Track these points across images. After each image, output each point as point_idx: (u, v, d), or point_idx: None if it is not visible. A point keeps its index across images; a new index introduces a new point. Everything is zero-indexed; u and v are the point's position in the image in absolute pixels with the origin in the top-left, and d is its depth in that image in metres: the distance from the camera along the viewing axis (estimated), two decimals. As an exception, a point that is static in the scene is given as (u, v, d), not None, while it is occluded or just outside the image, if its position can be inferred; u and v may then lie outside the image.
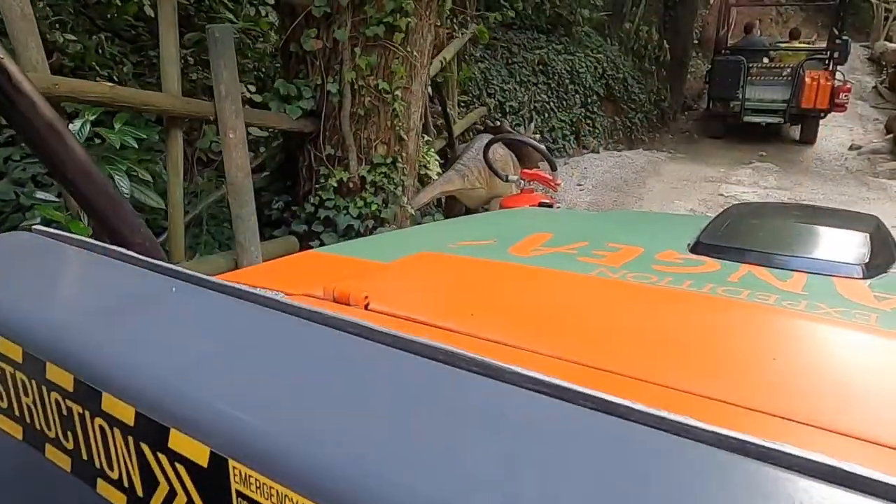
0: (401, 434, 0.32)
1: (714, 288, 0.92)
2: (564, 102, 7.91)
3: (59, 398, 0.44)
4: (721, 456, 0.28)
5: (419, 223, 3.80)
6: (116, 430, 0.39)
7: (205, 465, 0.34)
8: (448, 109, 4.97)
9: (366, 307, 0.77)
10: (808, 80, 8.49)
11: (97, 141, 2.61)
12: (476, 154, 4.33)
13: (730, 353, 0.68)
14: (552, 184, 3.47)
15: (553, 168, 3.36)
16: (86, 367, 0.42)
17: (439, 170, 4.32)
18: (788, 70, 8.85)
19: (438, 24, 4.06)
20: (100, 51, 3.67)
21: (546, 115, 7.56)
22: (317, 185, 3.60)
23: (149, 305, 0.50)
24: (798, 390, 0.58)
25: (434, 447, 0.31)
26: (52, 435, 0.45)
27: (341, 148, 3.57)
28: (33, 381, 0.45)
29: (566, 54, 8.03)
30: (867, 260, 1.05)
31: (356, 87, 3.45)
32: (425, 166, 4.19)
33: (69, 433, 0.44)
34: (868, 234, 1.14)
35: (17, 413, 0.48)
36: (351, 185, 3.58)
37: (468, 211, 4.50)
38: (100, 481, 0.42)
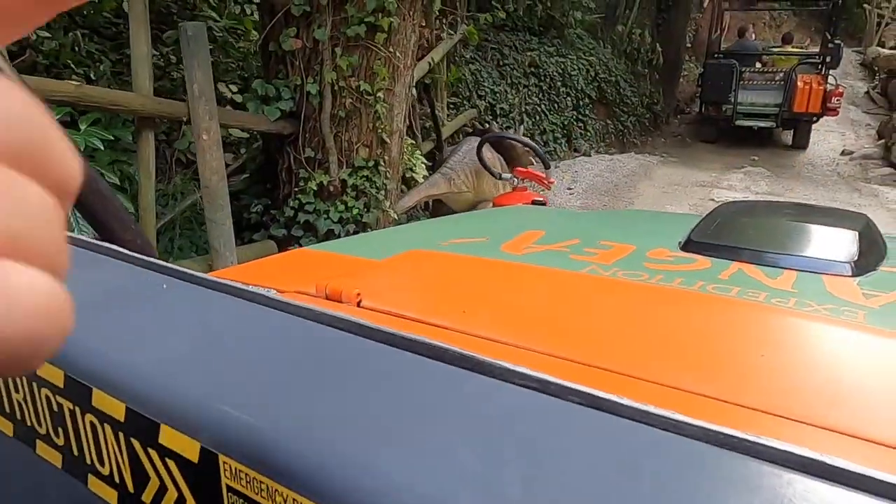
0: (390, 429, 0.32)
1: (704, 285, 0.94)
2: (556, 105, 7.84)
3: (50, 394, 0.44)
4: (707, 450, 0.28)
5: (402, 228, 3.73)
6: (107, 426, 0.40)
7: (195, 460, 0.35)
8: (437, 111, 4.90)
9: (358, 304, 0.77)
10: (800, 83, 8.51)
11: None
12: (463, 157, 4.26)
13: (719, 350, 0.69)
14: (545, 182, 3.42)
15: (546, 166, 3.34)
16: (76, 363, 0.42)
17: (426, 173, 4.25)
18: (781, 74, 8.86)
19: (423, 24, 3.98)
20: (76, 48, 3.57)
21: (537, 117, 7.49)
22: (296, 189, 3.51)
23: (139, 301, 0.50)
24: (786, 387, 0.59)
25: (423, 442, 0.31)
26: (42, 431, 0.46)
27: (321, 150, 3.48)
28: (23, 377, 0.46)
29: (558, 56, 7.95)
30: (856, 258, 1.05)
31: (337, 88, 3.37)
32: (411, 169, 4.12)
33: (60, 429, 0.44)
34: (857, 233, 1.15)
35: (7, 409, 0.48)
36: (331, 188, 3.50)
37: (454, 215, 4.44)
38: (91, 477, 0.42)
